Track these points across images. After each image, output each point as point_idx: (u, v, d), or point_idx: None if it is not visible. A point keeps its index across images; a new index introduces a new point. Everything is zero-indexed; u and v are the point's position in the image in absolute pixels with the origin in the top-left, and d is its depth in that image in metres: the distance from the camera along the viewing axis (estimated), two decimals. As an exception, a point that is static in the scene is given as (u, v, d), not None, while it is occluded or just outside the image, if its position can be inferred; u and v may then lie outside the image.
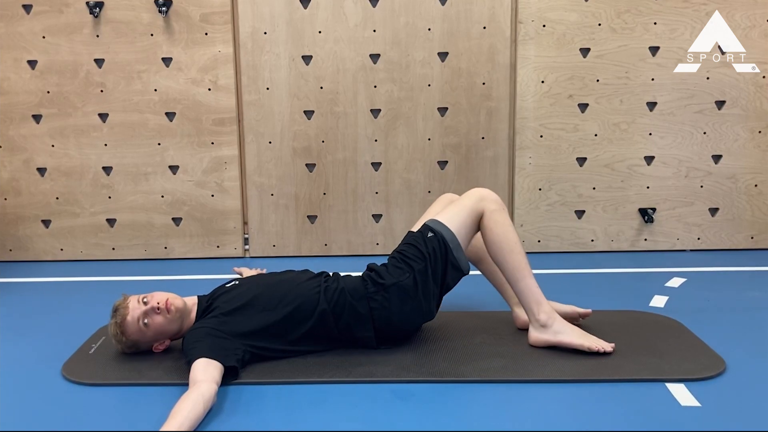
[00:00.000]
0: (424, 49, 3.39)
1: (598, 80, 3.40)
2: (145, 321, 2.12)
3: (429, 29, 3.37)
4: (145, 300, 2.14)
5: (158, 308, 2.12)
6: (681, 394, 1.94)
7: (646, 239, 3.55)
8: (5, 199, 3.55)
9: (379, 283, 2.18)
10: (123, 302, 2.16)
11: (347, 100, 3.43)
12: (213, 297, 2.26)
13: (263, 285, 2.25)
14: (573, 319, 2.37)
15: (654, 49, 3.37)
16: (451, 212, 2.26)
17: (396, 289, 2.17)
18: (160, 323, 2.14)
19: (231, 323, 2.13)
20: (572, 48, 3.38)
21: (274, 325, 2.16)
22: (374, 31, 3.37)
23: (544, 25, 3.36)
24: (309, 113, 3.46)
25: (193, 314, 2.23)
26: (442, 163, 3.50)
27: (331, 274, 2.33)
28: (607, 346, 2.17)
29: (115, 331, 2.15)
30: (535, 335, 2.23)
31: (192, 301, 2.26)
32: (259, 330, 2.15)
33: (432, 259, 2.20)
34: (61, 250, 3.58)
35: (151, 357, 2.22)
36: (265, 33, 3.38)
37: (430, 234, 2.23)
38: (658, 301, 2.74)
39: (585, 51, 3.39)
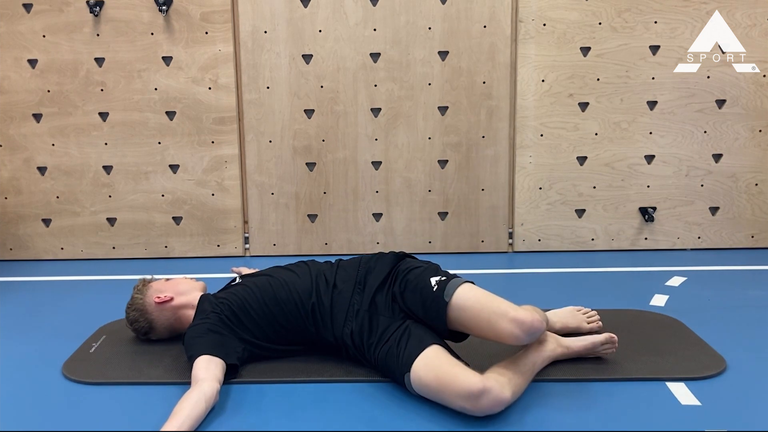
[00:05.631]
0: (425, 48, 3.39)
1: (598, 79, 3.40)
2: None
3: (429, 28, 3.37)
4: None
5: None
6: (681, 393, 1.94)
7: (646, 238, 3.55)
8: (6, 198, 3.55)
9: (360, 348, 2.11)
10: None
11: (347, 99, 3.43)
12: (215, 295, 2.27)
13: (262, 287, 2.21)
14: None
15: (654, 48, 3.37)
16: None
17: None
18: (170, 279, 2.37)
19: (230, 322, 2.14)
20: (573, 47, 3.37)
21: (267, 330, 2.17)
22: (375, 30, 3.37)
23: (544, 24, 3.36)
24: (309, 112, 3.46)
25: (195, 303, 2.25)
26: (443, 162, 3.50)
27: (327, 283, 2.24)
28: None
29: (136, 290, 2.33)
30: None
31: (195, 295, 2.30)
32: (257, 331, 2.16)
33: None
34: (62, 249, 3.58)
35: (152, 355, 2.23)
36: (266, 32, 3.38)
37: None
38: (659, 300, 2.74)
39: (585, 50, 3.38)
